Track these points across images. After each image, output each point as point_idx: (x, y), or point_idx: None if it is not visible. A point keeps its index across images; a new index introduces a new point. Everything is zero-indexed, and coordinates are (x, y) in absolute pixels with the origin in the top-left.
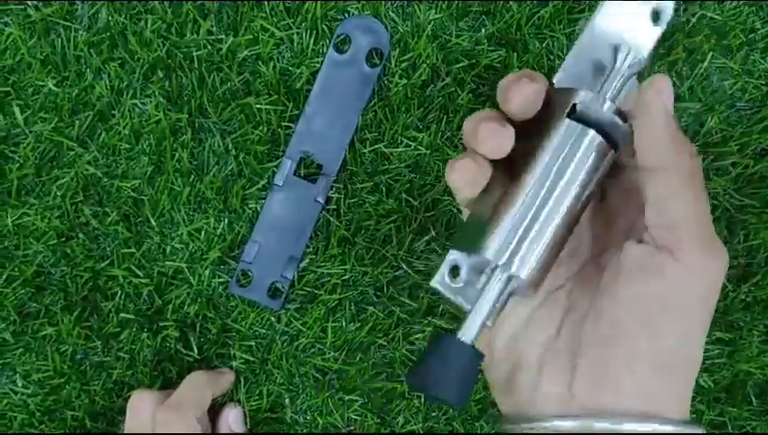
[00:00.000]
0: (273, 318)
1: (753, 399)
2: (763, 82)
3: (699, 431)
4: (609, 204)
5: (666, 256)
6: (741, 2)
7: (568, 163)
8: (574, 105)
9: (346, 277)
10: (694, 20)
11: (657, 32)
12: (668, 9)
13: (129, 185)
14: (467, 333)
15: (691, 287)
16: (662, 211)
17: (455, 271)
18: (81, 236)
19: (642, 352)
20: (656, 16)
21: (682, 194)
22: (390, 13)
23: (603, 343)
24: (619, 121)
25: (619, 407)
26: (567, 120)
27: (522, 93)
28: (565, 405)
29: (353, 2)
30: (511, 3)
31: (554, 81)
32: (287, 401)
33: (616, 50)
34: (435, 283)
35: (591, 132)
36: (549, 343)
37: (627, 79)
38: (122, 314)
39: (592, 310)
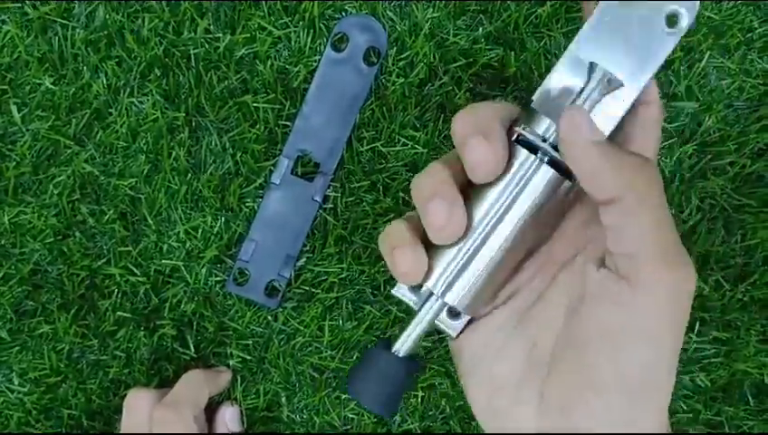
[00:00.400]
0: (270, 317)
1: (750, 398)
2: (761, 82)
3: None
4: (584, 207)
5: (624, 286)
6: (739, 1)
7: (516, 195)
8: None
9: (343, 276)
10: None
11: (670, 41)
12: (690, 11)
13: (126, 183)
14: (401, 348)
15: (654, 315)
16: (618, 240)
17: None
18: (77, 234)
19: (609, 377)
20: (671, 20)
21: (636, 220)
22: (388, 11)
23: (571, 369)
24: None
25: (588, 428)
26: (522, 150)
27: (479, 158)
28: (537, 426)
29: (351, 0)
30: (508, 2)
31: (533, 99)
32: (284, 399)
33: (591, 68)
34: (394, 291)
35: (544, 166)
36: (521, 364)
37: (597, 101)
38: (119, 313)
39: (562, 333)
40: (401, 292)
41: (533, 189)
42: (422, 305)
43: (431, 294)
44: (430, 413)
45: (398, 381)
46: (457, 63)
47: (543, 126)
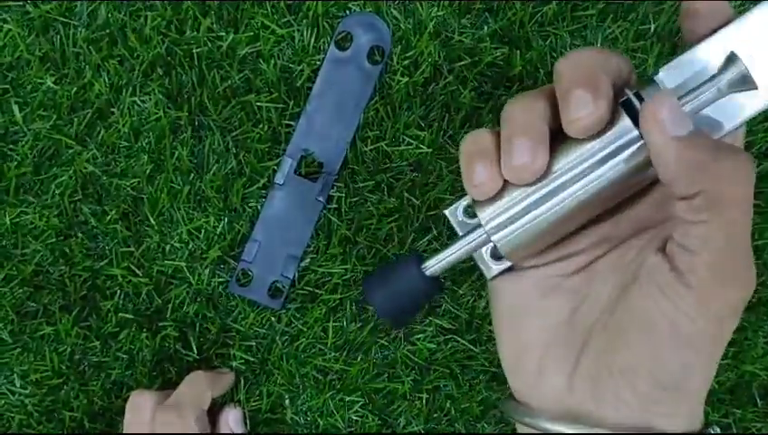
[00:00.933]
0: (273, 318)
1: (758, 400)
2: None
3: None
4: (661, 188)
5: (677, 279)
6: (745, 4)
7: (603, 161)
8: (638, 93)
9: (347, 277)
10: None
11: None
12: None
13: (128, 183)
14: (432, 267)
15: (700, 323)
16: (684, 233)
17: (468, 210)
18: (79, 234)
19: (644, 368)
20: None
21: (705, 222)
22: (392, 10)
23: (607, 348)
24: None
25: (616, 415)
26: (625, 118)
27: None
28: (563, 402)
29: None
30: (514, 0)
31: (660, 70)
32: (287, 401)
33: (729, 60)
34: (447, 212)
35: (641, 144)
36: (558, 328)
37: (723, 95)
38: (121, 314)
39: (607, 308)
40: (455, 213)
41: (623, 163)
42: (467, 234)
43: (480, 225)
44: (435, 415)
45: (418, 298)
46: (462, 62)
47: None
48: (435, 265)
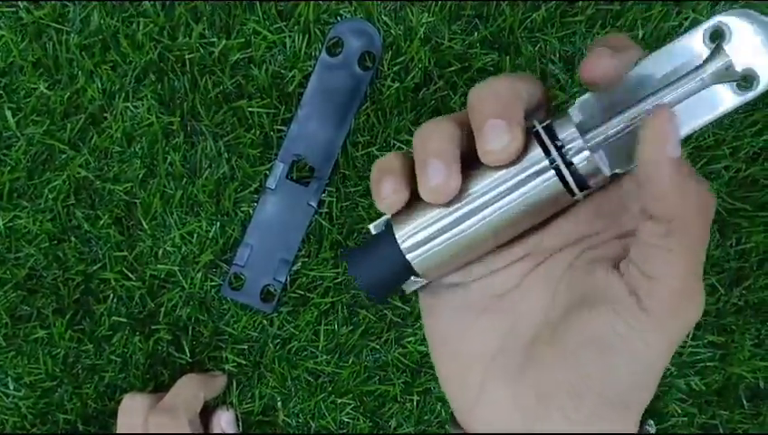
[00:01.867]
0: (265, 321)
1: (745, 402)
2: None
3: None
4: (622, 190)
5: (633, 302)
6: (733, 6)
7: (515, 187)
8: (550, 125)
9: (338, 280)
10: (686, 23)
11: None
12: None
13: (121, 188)
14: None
15: (655, 341)
16: (646, 257)
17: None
18: (73, 239)
19: (592, 385)
20: (745, 82)
21: (674, 247)
22: (383, 16)
23: (554, 364)
24: (598, 170)
25: (560, 431)
26: (536, 147)
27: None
28: (506, 419)
29: (346, 5)
30: (504, 6)
31: (575, 101)
32: (280, 403)
33: (717, 48)
34: (372, 226)
35: (553, 177)
36: (497, 345)
37: (706, 86)
38: (114, 318)
39: (546, 323)
40: (380, 227)
41: (534, 192)
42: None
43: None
44: (425, 417)
45: (400, 273)
46: (453, 68)
47: (567, 131)
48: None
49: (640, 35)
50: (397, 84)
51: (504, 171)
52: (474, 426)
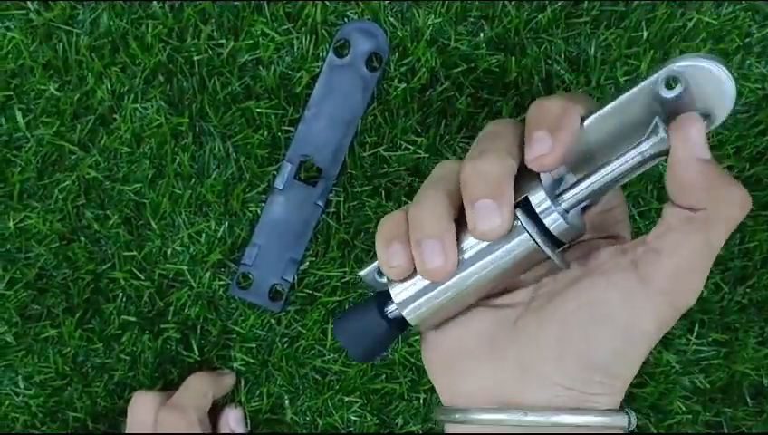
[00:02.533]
0: (273, 320)
1: (749, 399)
2: (759, 87)
3: (624, 422)
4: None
5: (632, 273)
6: (737, 7)
7: (502, 257)
8: (527, 198)
9: (346, 280)
10: (690, 24)
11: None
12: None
13: (130, 188)
14: (391, 311)
15: (648, 319)
16: (660, 235)
17: (381, 273)
18: (82, 239)
19: (574, 349)
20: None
21: (690, 234)
22: (390, 17)
23: (537, 334)
24: (571, 225)
25: (545, 398)
26: (522, 231)
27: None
28: (492, 392)
29: (353, 6)
30: (509, 8)
31: (584, 123)
32: (287, 402)
33: (653, 130)
34: (362, 273)
35: (524, 235)
36: (482, 330)
37: (646, 161)
38: (124, 317)
39: (532, 302)
40: (372, 275)
41: (521, 257)
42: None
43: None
44: (432, 415)
45: (383, 338)
46: (459, 69)
47: (538, 198)
48: (394, 310)
49: (645, 36)
50: (403, 85)
51: (493, 244)
52: (457, 401)
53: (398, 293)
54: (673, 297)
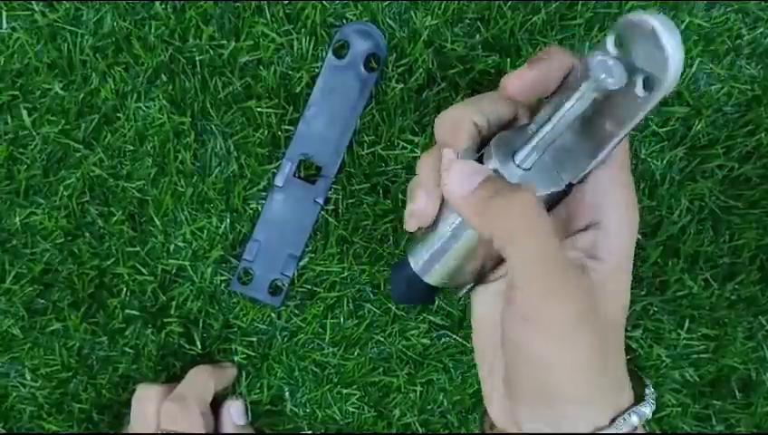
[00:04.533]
0: (273, 314)
1: (737, 392)
2: (749, 87)
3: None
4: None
5: (508, 303)
6: (728, 9)
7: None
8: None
9: (344, 275)
10: (682, 27)
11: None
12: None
13: (133, 186)
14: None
15: (533, 339)
16: (507, 266)
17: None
18: (87, 235)
19: (519, 378)
20: (647, 84)
21: (510, 254)
22: (387, 19)
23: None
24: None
25: (568, 419)
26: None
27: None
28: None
29: (351, 8)
30: (505, 9)
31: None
32: (287, 394)
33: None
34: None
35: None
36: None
37: (588, 100)
38: (127, 311)
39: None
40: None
41: None
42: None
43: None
44: (428, 407)
45: (428, 292)
46: (455, 70)
47: (494, 164)
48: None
49: None
50: (401, 85)
51: None
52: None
53: (415, 260)
54: (544, 317)
